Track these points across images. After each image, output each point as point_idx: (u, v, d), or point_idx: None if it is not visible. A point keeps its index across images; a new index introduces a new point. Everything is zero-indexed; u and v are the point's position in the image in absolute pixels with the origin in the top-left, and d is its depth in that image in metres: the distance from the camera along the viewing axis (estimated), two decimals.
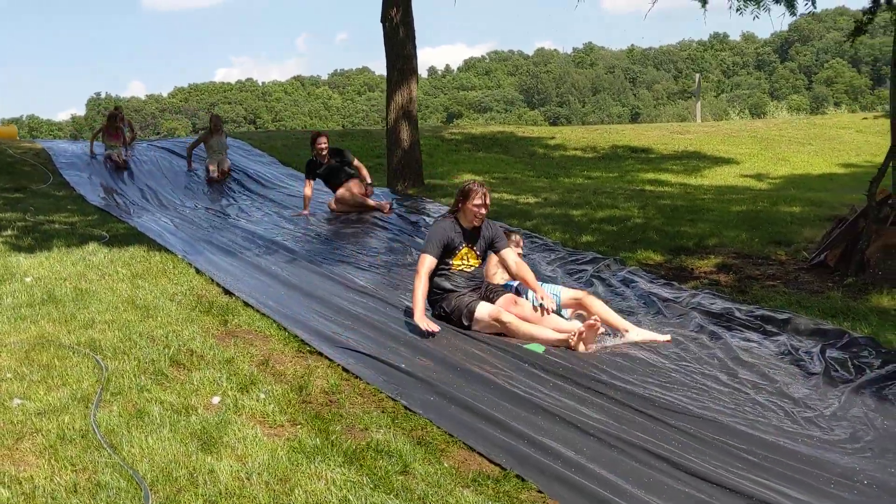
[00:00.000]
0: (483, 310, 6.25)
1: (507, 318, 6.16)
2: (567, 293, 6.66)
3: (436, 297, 6.52)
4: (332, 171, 11.56)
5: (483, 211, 6.44)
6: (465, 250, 6.48)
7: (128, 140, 16.62)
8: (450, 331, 6.20)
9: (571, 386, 5.19)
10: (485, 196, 6.43)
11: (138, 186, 14.07)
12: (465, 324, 6.27)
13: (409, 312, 6.46)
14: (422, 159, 14.55)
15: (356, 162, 11.73)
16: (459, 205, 6.48)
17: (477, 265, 6.56)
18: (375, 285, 7.54)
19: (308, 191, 11.61)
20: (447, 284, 6.47)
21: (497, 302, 6.37)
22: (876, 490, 4.00)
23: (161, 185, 14.23)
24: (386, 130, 14.50)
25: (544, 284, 6.69)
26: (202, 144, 15.34)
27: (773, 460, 4.27)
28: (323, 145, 11.52)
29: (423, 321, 6.04)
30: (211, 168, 14.63)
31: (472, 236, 6.51)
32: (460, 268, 6.48)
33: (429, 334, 5.99)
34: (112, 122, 15.93)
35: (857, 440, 4.59)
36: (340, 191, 11.36)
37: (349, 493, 3.83)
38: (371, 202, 11.34)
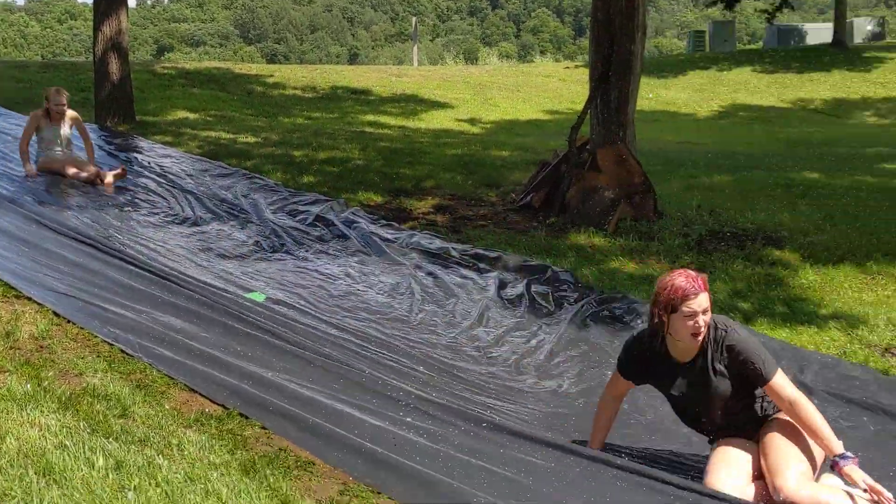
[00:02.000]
0: None
1: None
2: None
3: None
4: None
5: None
6: None
7: None
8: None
9: (300, 323, 5.26)
10: None
11: None
12: None
13: None
14: (133, 95, 13.88)
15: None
16: None
17: None
18: (88, 229, 7.18)
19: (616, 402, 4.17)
20: None
21: None
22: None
23: None
24: (93, 63, 13.65)
25: None
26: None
27: (479, 383, 4.58)
28: (700, 323, 3.68)
29: None
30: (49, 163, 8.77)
31: None
32: None
33: None
34: None
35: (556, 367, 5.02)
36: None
37: (65, 438, 3.69)
38: None
